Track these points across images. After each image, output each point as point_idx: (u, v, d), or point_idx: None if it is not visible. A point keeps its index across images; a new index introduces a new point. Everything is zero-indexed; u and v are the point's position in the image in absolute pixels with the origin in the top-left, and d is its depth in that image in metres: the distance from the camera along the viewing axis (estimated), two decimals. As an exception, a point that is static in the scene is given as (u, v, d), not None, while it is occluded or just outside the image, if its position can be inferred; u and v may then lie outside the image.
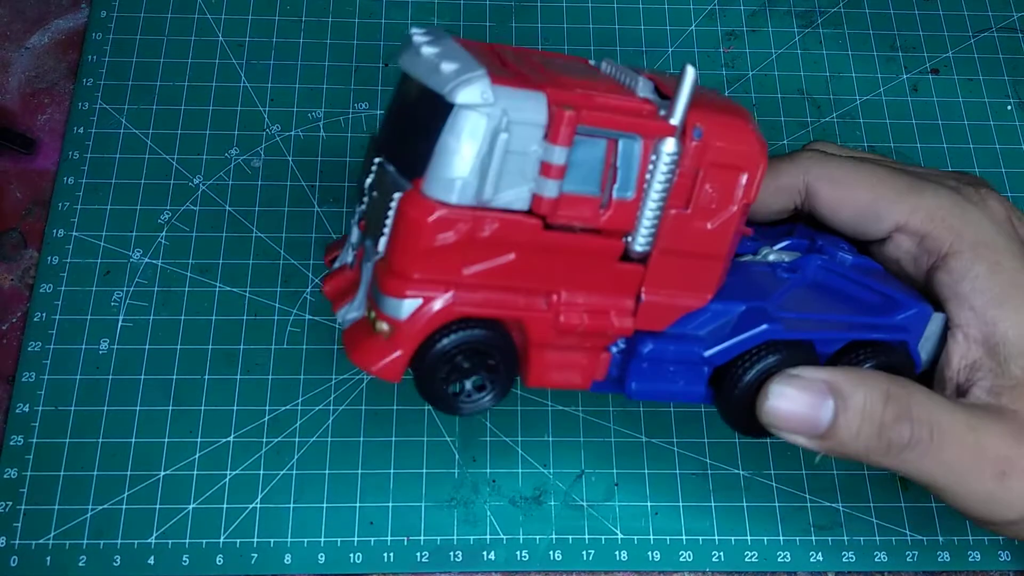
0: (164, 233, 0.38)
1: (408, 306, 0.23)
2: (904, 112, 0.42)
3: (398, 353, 0.23)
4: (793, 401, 0.24)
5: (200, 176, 0.39)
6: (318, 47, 0.42)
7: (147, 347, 0.36)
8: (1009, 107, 0.43)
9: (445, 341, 0.23)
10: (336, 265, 0.27)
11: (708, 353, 0.26)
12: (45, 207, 0.39)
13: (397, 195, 0.22)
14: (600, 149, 0.23)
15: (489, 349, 0.24)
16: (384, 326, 0.23)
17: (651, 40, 0.43)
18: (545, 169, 0.22)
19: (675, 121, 0.23)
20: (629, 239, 0.24)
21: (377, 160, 0.24)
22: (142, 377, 0.36)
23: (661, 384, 0.26)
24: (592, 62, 0.27)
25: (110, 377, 0.36)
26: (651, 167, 0.23)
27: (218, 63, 0.42)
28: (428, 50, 0.23)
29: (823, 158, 0.29)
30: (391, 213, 0.23)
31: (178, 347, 0.36)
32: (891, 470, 0.25)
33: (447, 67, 0.21)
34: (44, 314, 0.37)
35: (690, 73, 0.22)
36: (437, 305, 0.23)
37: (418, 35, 0.24)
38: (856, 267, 0.29)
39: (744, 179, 0.24)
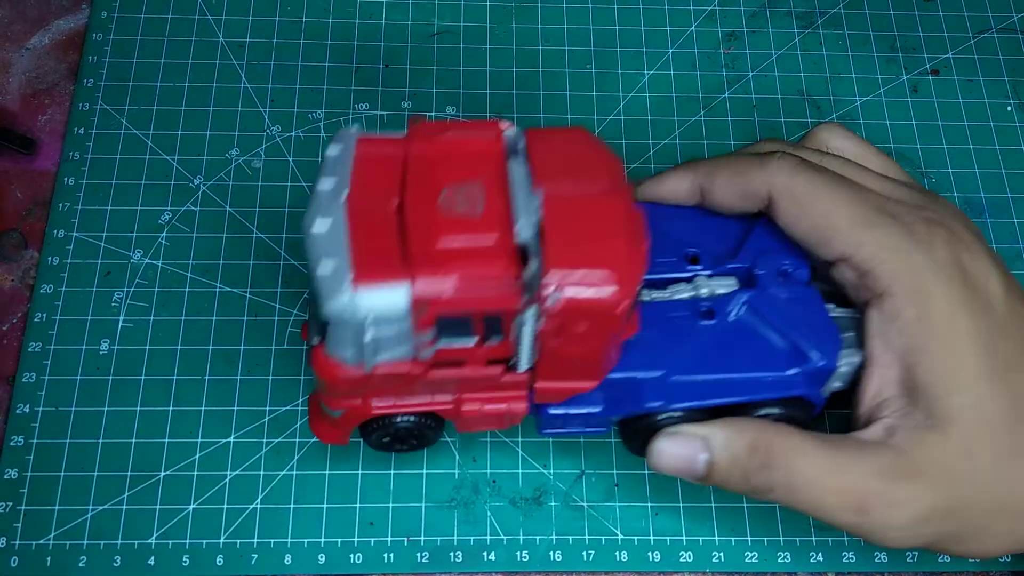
0: (164, 234, 0.38)
1: (337, 412, 0.30)
2: (904, 113, 0.42)
3: (339, 432, 0.31)
4: (673, 457, 0.28)
5: (200, 177, 0.39)
6: (318, 48, 0.42)
7: (147, 348, 0.36)
8: (1009, 108, 0.43)
9: (383, 425, 0.30)
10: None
11: (605, 415, 0.30)
12: (45, 208, 0.39)
13: (313, 342, 0.27)
14: (466, 323, 0.26)
15: (414, 429, 0.31)
16: (328, 415, 0.30)
17: (651, 41, 0.44)
18: (419, 341, 0.26)
19: (527, 299, 0.25)
20: (511, 363, 0.28)
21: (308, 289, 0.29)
22: (142, 378, 0.36)
23: (567, 429, 0.31)
24: (507, 135, 0.28)
25: (110, 378, 0.36)
26: (516, 327, 0.26)
27: (219, 64, 0.42)
28: (318, 228, 0.25)
29: (793, 170, 0.29)
30: (309, 351, 0.28)
31: (178, 348, 0.36)
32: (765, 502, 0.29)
33: (323, 271, 0.25)
34: (44, 315, 0.37)
35: (534, 267, 0.24)
36: (359, 409, 0.29)
37: (324, 179, 0.27)
38: (785, 303, 0.30)
39: (606, 319, 0.26)
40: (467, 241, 0.25)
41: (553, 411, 0.30)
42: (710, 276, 0.31)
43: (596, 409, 0.30)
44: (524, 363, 0.27)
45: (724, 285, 0.30)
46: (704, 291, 0.30)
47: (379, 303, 0.25)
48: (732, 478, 0.28)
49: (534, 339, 0.26)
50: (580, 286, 0.25)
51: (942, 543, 0.28)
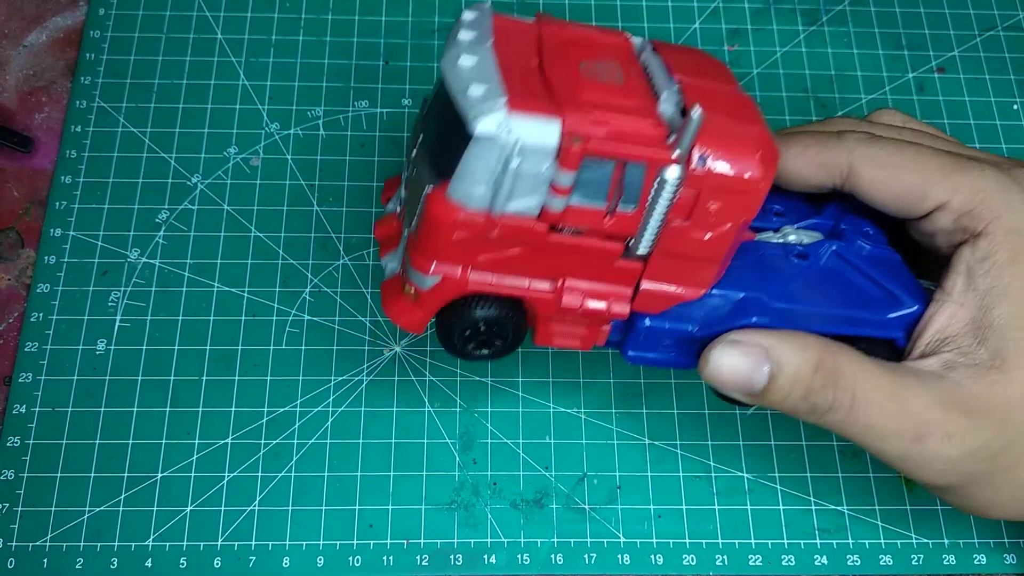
0: (162, 232, 0.38)
1: (430, 280, 0.27)
2: (910, 111, 0.42)
3: (420, 314, 0.27)
4: (732, 366, 0.27)
5: (198, 175, 0.39)
6: (318, 45, 0.42)
7: (145, 347, 0.36)
8: (1015, 106, 0.42)
9: (472, 311, 0.27)
10: (388, 208, 0.30)
11: (700, 334, 0.28)
12: (42, 206, 0.38)
13: (427, 189, 0.25)
14: (608, 169, 0.25)
15: (503, 323, 0.28)
16: (411, 290, 0.27)
17: (654, 38, 0.43)
18: (553, 188, 0.25)
19: (679, 153, 0.24)
20: (631, 242, 0.26)
21: (420, 138, 0.27)
22: (139, 378, 0.35)
23: (655, 354, 0.29)
24: (634, 40, 0.28)
25: (107, 378, 0.35)
26: (654, 190, 0.25)
27: (217, 61, 0.41)
28: (464, 62, 0.25)
29: (870, 141, 0.29)
30: (421, 203, 0.26)
31: (176, 348, 0.36)
32: (817, 425, 0.28)
33: (474, 92, 0.24)
34: (41, 314, 0.36)
35: (695, 116, 0.24)
36: (454, 280, 0.26)
37: (464, 31, 0.26)
38: (870, 257, 0.30)
39: (742, 202, 0.25)
40: (613, 99, 0.25)
41: (651, 323, 0.28)
42: (796, 228, 0.31)
43: (692, 328, 0.28)
44: (646, 242, 0.26)
45: (810, 236, 0.30)
46: (792, 238, 0.30)
47: (531, 131, 0.23)
48: (792, 395, 0.27)
49: (667, 208, 0.25)
50: (726, 158, 0.24)
51: (976, 485, 0.28)
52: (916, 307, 0.29)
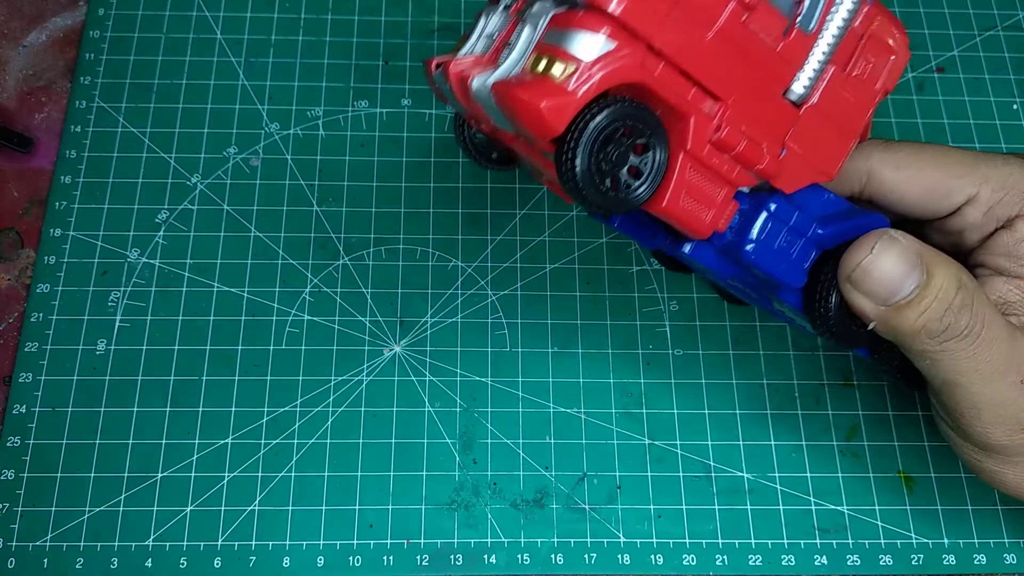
0: (162, 232, 0.38)
1: (601, 46, 0.22)
2: (909, 111, 0.42)
3: (579, 91, 0.22)
4: (889, 262, 0.25)
5: (198, 175, 0.39)
6: (317, 44, 0.42)
7: (144, 348, 0.36)
8: (1015, 106, 0.42)
9: (601, 116, 0.22)
10: (461, 54, 0.26)
11: (822, 231, 0.26)
12: (42, 206, 0.38)
13: None
14: None
15: (645, 126, 0.23)
16: (561, 67, 0.22)
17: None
18: None
19: None
20: (793, 80, 0.25)
21: None
22: (139, 378, 0.35)
23: (772, 251, 0.26)
24: None
25: (107, 378, 0.35)
26: (834, 10, 0.25)
27: (216, 61, 0.41)
28: None
29: (886, 145, 0.29)
30: None
31: (176, 348, 0.36)
32: (922, 356, 0.26)
33: None
34: (41, 314, 0.36)
35: None
36: (626, 58, 0.22)
37: None
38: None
39: (891, 64, 0.26)
40: None
41: (773, 205, 0.26)
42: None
43: (812, 220, 0.26)
44: (805, 79, 0.25)
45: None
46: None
47: None
48: (931, 311, 0.25)
49: (836, 40, 0.25)
50: (885, 15, 0.26)
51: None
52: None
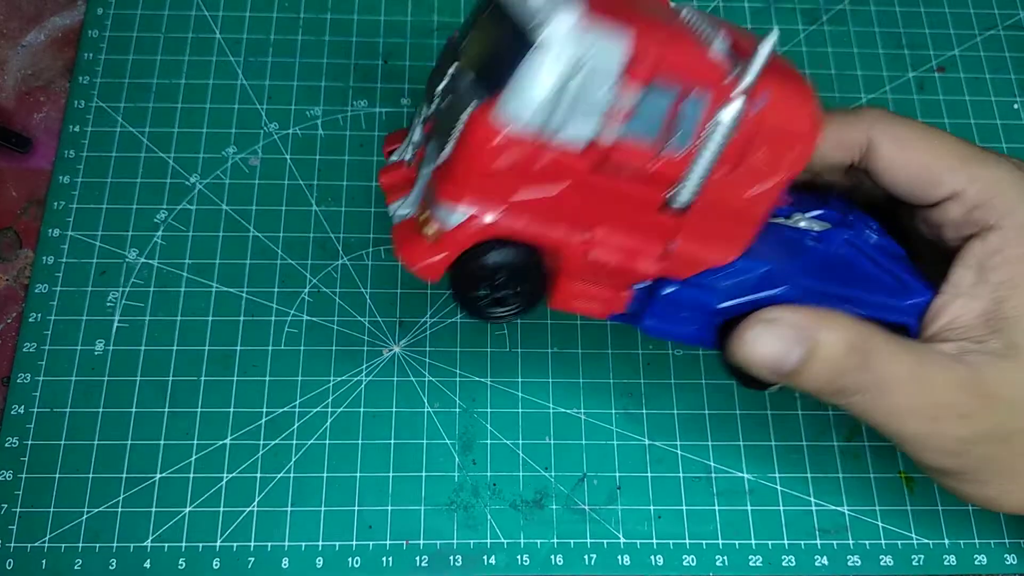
0: (160, 232, 0.38)
1: (459, 216, 0.24)
2: (910, 110, 0.42)
3: (441, 256, 0.25)
4: (766, 345, 0.26)
5: (197, 175, 0.39)
6: (316, 44, 0.42)
7: (143, 348, 0.36)
8: (1016, 106, 0.42)
9: (491, 256, 0.25)
10: (394, 158, 0.28)
11: (722, 305, 0.27)
12: (41, 206, 0.38)
13: (473, 105, 0.23)
14: (667, 100, 0.24)
15: (525, 272, 0.26)
16: (432, 230, 0.25)
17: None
18: (612, 112, 0.23)
19: (745, 85, 0.23)
20: (672, 192, 0.25)
21: (456, 65, 0.25)
22: (138, 378, 0.35)
23: (674, 326, 0.28)
24: (673, 4, 0.27)
25: (106, 378, 0.35)
26: (710, 127, 0.24)
27: (215, 60, 0.41)
28: None
29: (890, 116, 0.29)
30: (461, 124, 0.24)
31: (174, 348, 0.36)
32: (834, 405, 0.28)
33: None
34: (39, 315, 0.36)
35: (772, 37, 0.23)
36: (485, 220, 0.24)
37: None
38: (879, 247, 0.30)
39: (793, 154, 0.25)
40: (693, 31, 0.24)
41: (672, 288, 0.27)
42: (806, 216, 0.30)
43: (715, 299, 0.27)
44: (688, 190, 0.25)
45: (820, 224, 0.30)
46: (803, 224, 0.30)
47: (600, 42, 0.22)
48: (821, 376, 0.26)
49: (717, 154, 0.24)
50: (783, 102, 0.24)
51: (983, 475, 0.28)
52: (928, 295, 0.29)
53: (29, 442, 0.34)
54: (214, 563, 0.33)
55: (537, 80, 0.22)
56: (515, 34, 0.23)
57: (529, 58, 0.22)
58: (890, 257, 0.30)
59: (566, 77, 0.22)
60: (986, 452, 0.28)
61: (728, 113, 0.24)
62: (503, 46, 0.23)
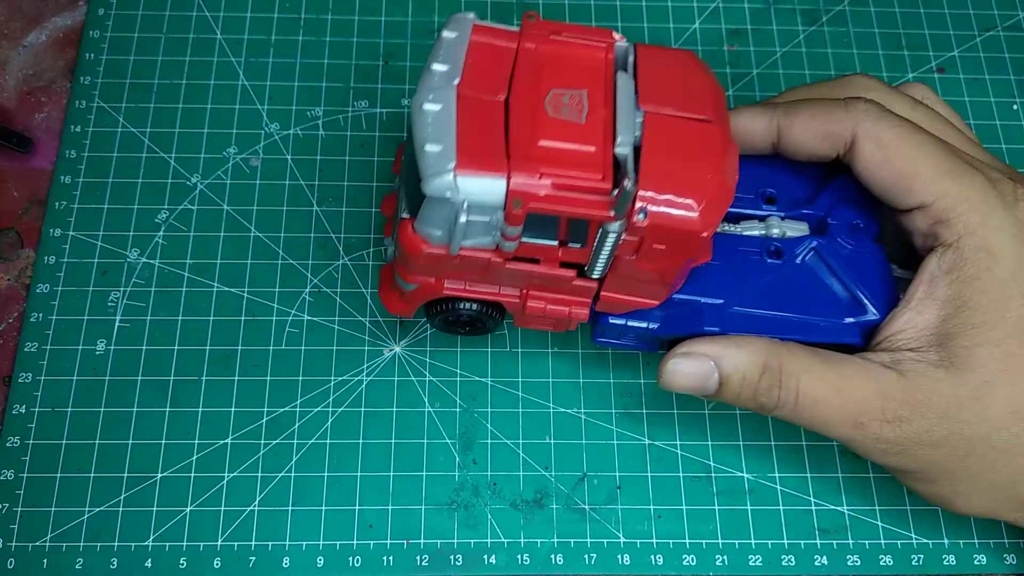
0: (161, 232, 0.38)
1: (412, 286, 0.30)
2: (909, 111, 0.42)
3: (407, 306, 0.32)
4: (684, 375, 0.29)
5: (198, 175, 0.39)
6: (317, 44, 0.42)
7: (144, 348, 0.36)
8: (1015, 106, 0.42)
9: (458, 306, 0.31)
10: (397, 184, 0.33)
11: (661, 333, 0.31)
12: (42, 206, 0.38)
13: (403, 214, 0.28)
14: (553, 220, 0.27)
15: (482, 316, 0.32)
16: (400, 287, 0.31)
17: (654, 38, 0.43)
18: (503, 235, 0.27)
19: (616, 214, 0.25)
20: (586, 267, 0.28)
21: (404, 157, 0.29)
22: (139, 378, 0.35)
23: (621, 340, 0.32)
24: (620, 42, 0.28)
25: (107, 378, 0.35)
26: (600, 234, 0.27)
27: (216, 61, 0.41)
28: (429, 108, 0.26)
29: (878, 115, 0.29)
30: (397, 224, 0.29)
31: (175, 348, 0.36)
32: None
33: (430, 149, 0.25)
34: (41, 314, 0.36)
35: (628, 188, 0.25)
36: (431, 287, 0.30)
37: (438, 62, 0.27)
38: (850, 257, 0.30)
39: (687, 245, 0.27)
40: (567, 145, 0.26)
41: (612, 320, 0.31)
42: (783, 218, 0.31)
43: (654, 326, 0.31)
44: (598, 272, 0.28)
45: (795, 229, 0.31)
46: (775, 231, 0.31)
47: (477, 191, 0.25)
48: (741, 396, 0.29)
49: (612, 251, 0.27)
50: (667, 208, 0.26)
51: (929, 473, 0.29)
52: (877, 316, 0.30)
53: (30, 441, 0.34)
54: (215, 562, 0.33)
55: (433, 218, 0.27)
56: (417, 175, 0.26)
57: (424, 202, 0.26)
58: (860, 267, 0.30)
59: (453, 216, 0.26)
60: (923, 454, 0.28)
61: (610, 229, 0.26)
62: (415, 177, 0.26)
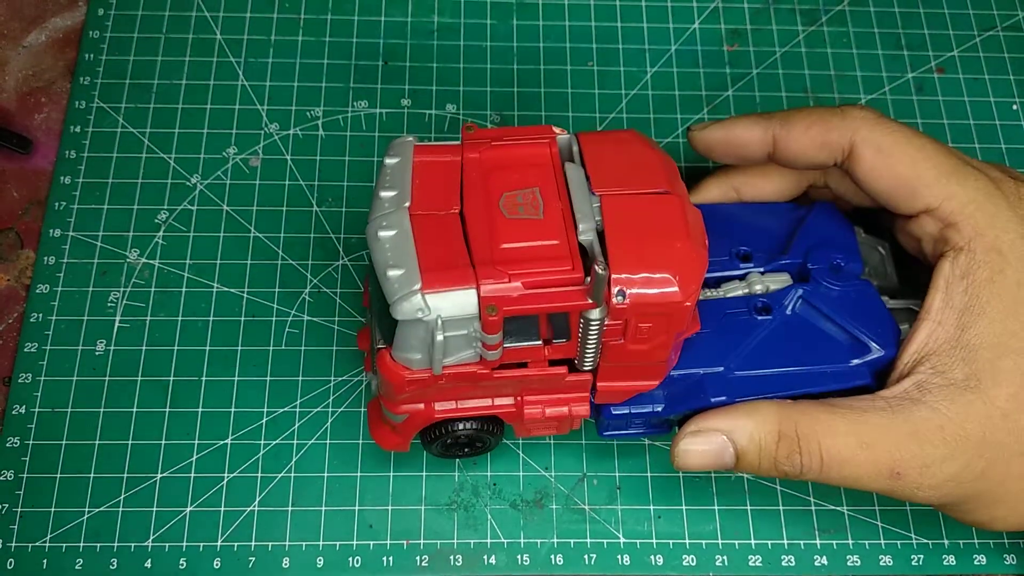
0: (161, 233, 0.38)
1: (401, 417, 0.30)
2: (909, 111, 0.42)
3: (400, 439, 0.31)
4: (698, 455, 0.28)
5: (198, 175, 0.39)
6: (317, 45, 0.42)
7: (144, 348, 0.36)
8: (1015, 106, 0.42)
9: (454, 428, 0.30)
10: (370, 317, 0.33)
11: (667, 413, 0.30)
12: (42, 207, 0.38)
13: (380, 344, 0.28)
14: (532, 320, 0.26)
15: (481, 433, 0.31)
16: (390, 420, 0.30)
17: (653, 38, 0.43)
18: (483, 344, 0.26)
19: (593, 301, 0.25)
20: (576, 361, 0.28)
21: (371, 287, 0.29)
22: (139, 378, 0.35)
23: (629, 430, 0.31)
24: (561, 135, 0.28)
25: (107, 378, 0.35)
26: (581, 326, 0.26)
27: (216, 61, 0.41)
28: (384, 234, 0.26)
29: (875, 121, 0.29)
30: (375, 355, 0.28)
31: (175, 348, 0.36)
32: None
33: (392, 274, 0.25)
34: (40, 315, 0.36)
35: (600, 273, 0.24)
36: (421, 412, 0.29)
37: (384, 189, 0.27)
38: (839, 299, 0.30)
39: (673, 319, 0.26)
40: (530, 243, 0.26)
41: (616, 411, 0.30)
42: (763, 273, 0.31)
43: (658, 408, 0.30)
44: (589, 363, 0.28)
45: (777, 281, 0.31)
46: (758, 287, 0.31)
47: (448, 305, 0.25)
48: (762, 466, 0.28)
49: (599, 338, 0.26)
50: (645, 288, 0.25)
51: (970, 503, 0.28)
52: (882, 352, 0.29)
53: (30, 442, 0.34)
54: (215, 563, 0.33)
55: (409, 342, 0.26)
56: (386, 303, 0.25)
57: (398, 328, 0.26)
58: (851, 307, 0.30)
59: (429, 336, 0.25)
60: (964, 490, 0.28)
61: (591, 316, 0.26)
62: (384, 304, 0.26)
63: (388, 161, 0.28)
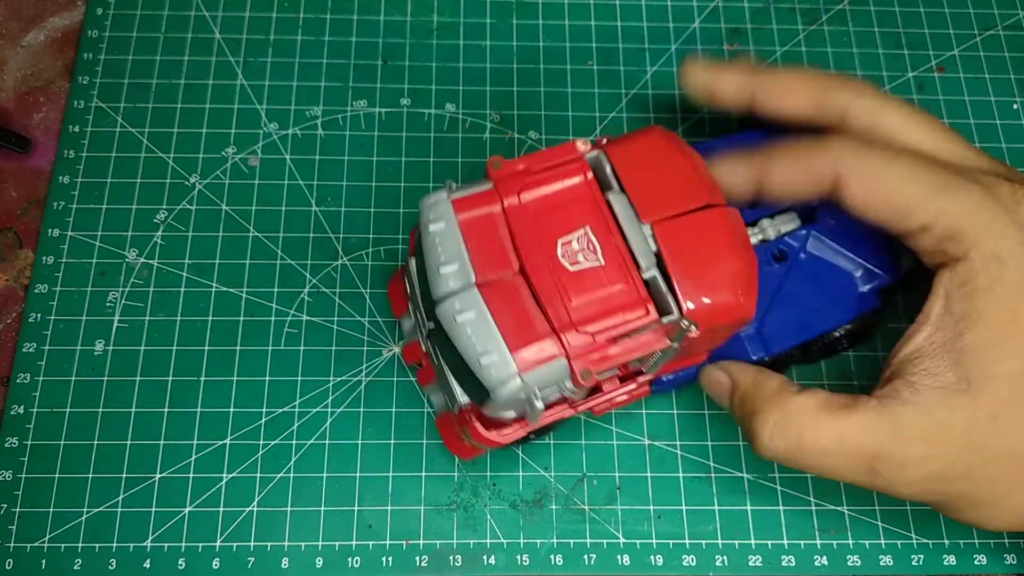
0: (160, 233, 0.38)
1: (484, 445, 0.30)
2: (909, 110, 0.42)
3: (480, 452, 0.33)
4: (713, 382, 0.32)
5: (197, 175, 0.39)
6: (316, 44, 0.42)
7: (143, 348, 0.36)
8: (1015, 106, 0.42)
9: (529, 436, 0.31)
10: (405, 328, 0.34)
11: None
12: (40, 206, 0.38)
13: (465, 403, 0.29)
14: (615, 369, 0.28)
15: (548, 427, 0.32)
16: (467, 440, 0.31)
17: (653, 37, 0.43)
18: (571, 392, 0.27)
19: (675, 340, 0.27)
20: (643, 369, 0.29)
21: (425, 322, 0.29)
22: (138, 379, 0.35)
23: (672, 381, 0.33)
24: (588, 151, 0.28)
25: (105, 379, 0.35)
26: (656, 355, 0.28)
27: (215, 60, 0.41)
28: (462, 319, 0.25)
29: (856, 149, 0.29)
30: (456, 409, 0.30)
31: (174, 348, 0.36)
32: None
33: (486, 362, 0.25)
34: (39, 315, 0.36)
35: (683, 326, 0.26)
36: (506, 439, 0.30)
37: (440, 253, 0.26)
38: (845, 231, 0.32)
39: (736, 327, 0.28)
40: (599, 293, 0.26)
41: (667, 379, 0.32)
42: (772, 216, 0.32)
43: (693, 373, 0.32)
44: (655, 370, 0.29)
45: (787, 221, 0.32)
46: (771, 232, 0.32)
47: (543, 378, 0.26)
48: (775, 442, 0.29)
49: (664, 360, 0.28)
50: (714, 313, 0.26)
51: (955, 503, 0.28)
52: (887, 276, 0.31)
53: (29, 442, 0.34)
54: (214, 563, 0.33)
55: (504, 408, 0.27)
56: (478, 380, 0.26)
57: (492, 401, 0.26)
58: (856, 238, 0.32)
59: (529, 400, 0.26)
60: (945, 489, 0.28)
61: (667, 345, 0.27)
62: (468, 372, 0.26)
63: (433, 228, 0.27)
